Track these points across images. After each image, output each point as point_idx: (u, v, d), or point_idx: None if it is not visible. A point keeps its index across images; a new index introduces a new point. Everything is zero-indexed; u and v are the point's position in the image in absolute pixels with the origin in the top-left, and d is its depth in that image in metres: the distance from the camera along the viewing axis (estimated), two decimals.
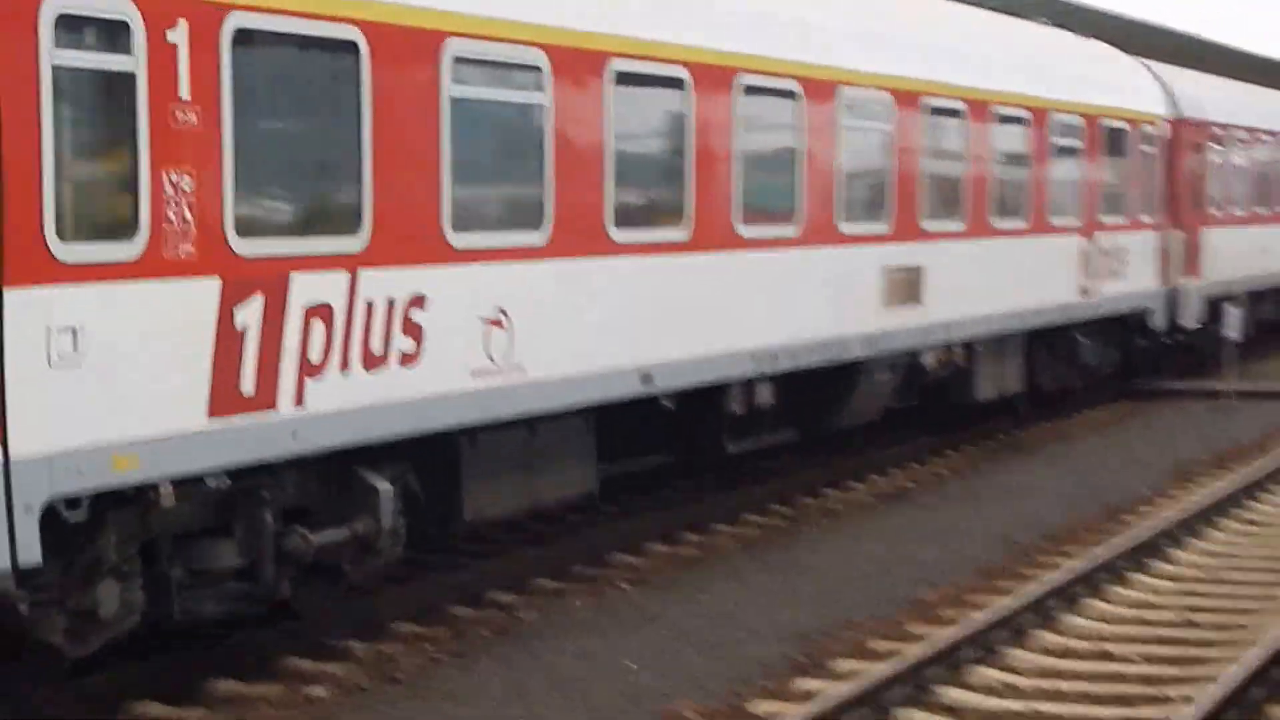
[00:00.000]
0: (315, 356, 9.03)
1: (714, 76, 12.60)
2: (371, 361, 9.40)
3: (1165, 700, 9.15)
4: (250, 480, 8.86)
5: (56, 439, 7.62)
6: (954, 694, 9.21)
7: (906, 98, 15.36)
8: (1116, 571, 12.00)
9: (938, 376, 16.36)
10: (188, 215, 8.33)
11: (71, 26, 7.79)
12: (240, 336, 8.59)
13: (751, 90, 13.01)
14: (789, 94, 13.58)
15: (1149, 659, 10.11)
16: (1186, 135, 22.83)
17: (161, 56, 8.18)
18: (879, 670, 9.10)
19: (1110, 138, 20.11)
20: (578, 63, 11.13)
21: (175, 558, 8.66)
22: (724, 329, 12.70)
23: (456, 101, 10.07)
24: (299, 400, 8.93)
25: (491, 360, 10.29)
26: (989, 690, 9.39)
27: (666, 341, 12.02)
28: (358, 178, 9.40)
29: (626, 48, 11.64)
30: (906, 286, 15.23)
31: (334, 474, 9.48)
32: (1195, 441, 18.84)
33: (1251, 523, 14.39)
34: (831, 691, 8.78)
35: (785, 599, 11.56)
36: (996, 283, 17.05)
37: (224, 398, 8.51)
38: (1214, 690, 8.71)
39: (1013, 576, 12.22)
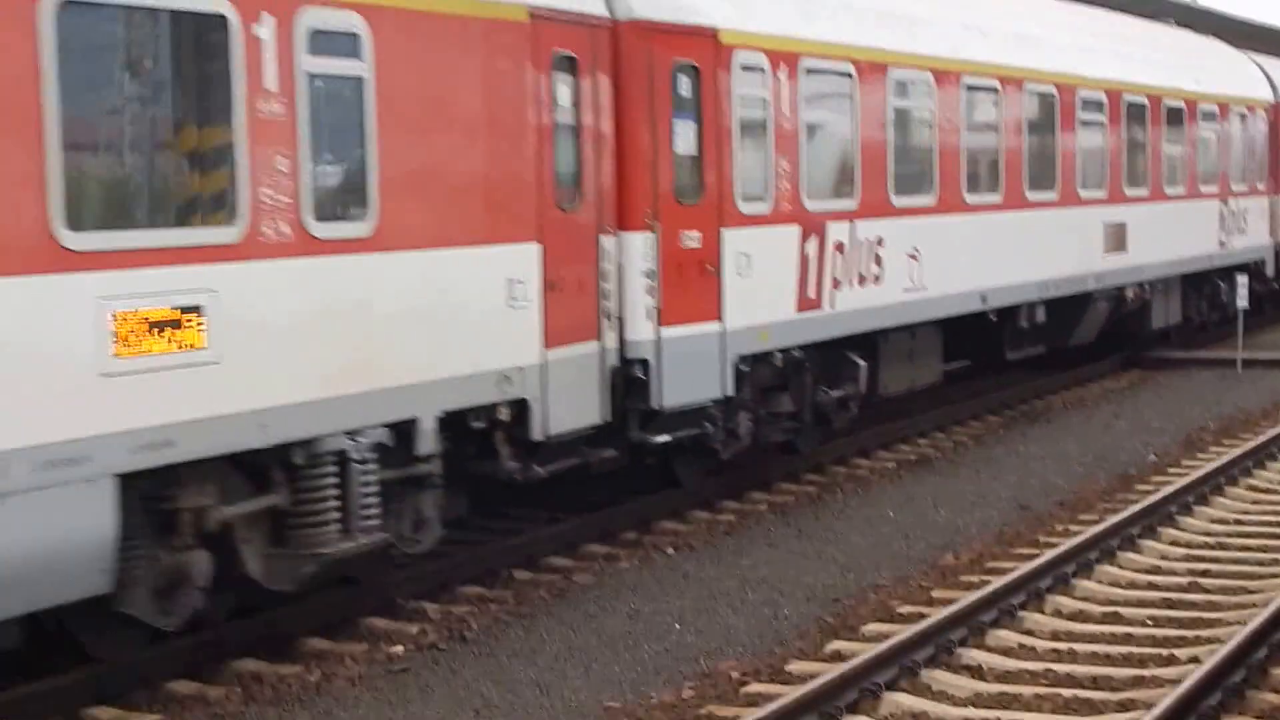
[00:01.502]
0: (838, 275, 14.27)
1: (1013, 84, 17.81)
2: (861, 280, 14.65)
3: (1173, 661, 9.46)
4: (801, 354, 14.01)
5: (740, 320, 12.87)
6: (975, 654, 9.55)
7: (1113, 95, 20.54)
8: (1128, 538, 12.30)
9: (1131, 308, 21.35)
10: (786, 186, 13.55)
11: (745, 68, 12.96)
12: (806, 261, 13.84)
13: (1032, 94, 18.23)
14: (1050, 96, 18.76)
15: (1158, 622, 10.40)
16: None
17: (776, 87, 13.39)
18: (905, 632, 9.41)
19: (1238, 120, 25.23)
20: (947, 79, 16.33)
21: (761, 403, 13.78)
22: (1021, 265, 17.87)
23: (896, 110, 15.29)
24: (831, 304, 14.19)
25: (912, 282, 15.53)
26: (1007, 651, 9.74)
27: (993, 273, 17.20)
28: (854, 162, 14.63)
29: (973, 69, 16.86)
30: (1117, 237, 20.44)
31: (832, 353, 14.61)
32: (1203, 410, 19.04)
33: (1257, 489, 14.55)
34: (861, 653, 9.20)
35: (816, 563, 12.00)
36: (1168, 236, 22.21)
37: (802, 299, 13.78)
38: (1220, 652, 8.86)
39: (1029, 542, 12.60)
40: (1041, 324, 18.77)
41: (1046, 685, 9.05)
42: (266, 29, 8.78)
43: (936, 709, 8.63)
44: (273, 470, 9.05)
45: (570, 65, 11.23)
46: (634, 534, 12.65)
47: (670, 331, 12.05)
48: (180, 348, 8.23)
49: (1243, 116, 25.56)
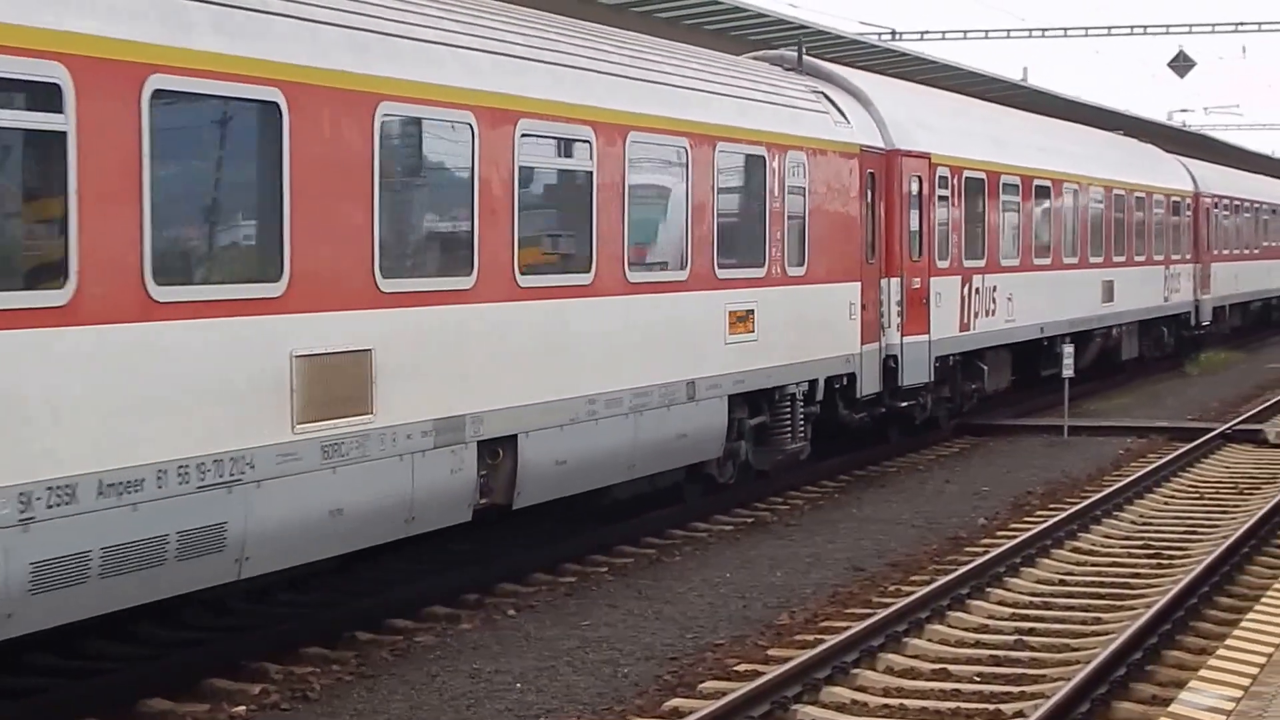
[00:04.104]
0: (976, 309, 22.03)
1: (1056, 183, 25.82)
2: (987, 313, 22.43)
3: (999, 716, 9.68)
4: (958, 358, 21.61)
5: (937, 334, 20.43)
6: (809, 710, 9.76)
7: (1107, 189, 28.71)
8: (957, 598, 12.59)
9: (1112, 344, 29.35)
10: (955, 250, 21.30)
11: (940, 178, 20.76)
12: (964, 299, 21.57)
13: (1064, 189, 26.29)
14: (1076, 189, 26.77)
15: (985, 678, 10.62)
16: (1202, 203, 36.44)
17: (952, 188, 21.16)
18: (741, 689, 9.62)
19: (1172, 206, 33.69)
20: (1027, 181, 24.27)
21: (934, 390, 21.22)
22: (1059, 308, 25.71)
23: (1003, 201, 23.22)
24: (974, 327, 21.93)
25: (1009, 316, 23.34)
26: (840, 707, 9.93)
27: (1046, 313, 25.01)
28: (983, 235, 22.48)
29: (1038, 174, 24.89)
30: (1108, 291, 28.56)
31: (967, 359, 22.21)
32: (1030, 475, 19.74)
33: (1081, 551, 14.99)
34: (697, 709, 9.34)
35: (656, 623, 12.16)
36: (1135, 291, 30.38)
37: (961, 323, 21.50)
38: (1044, 706, 9.17)
39: (863, 602, 12.85)
40: (1060, 351, 26.72)
41: None
42: (776, 162, 16.42)
43: None
44: (762, 402, 16.50)
45: (871, 178, 18.95)
46: (476, 595, 12.90)
47: (907, 339, 19.71)
48: (746, 331, 15.74)
49: (1176, 204, 34.04)
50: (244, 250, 10.09)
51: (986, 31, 39.57)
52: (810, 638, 11.62)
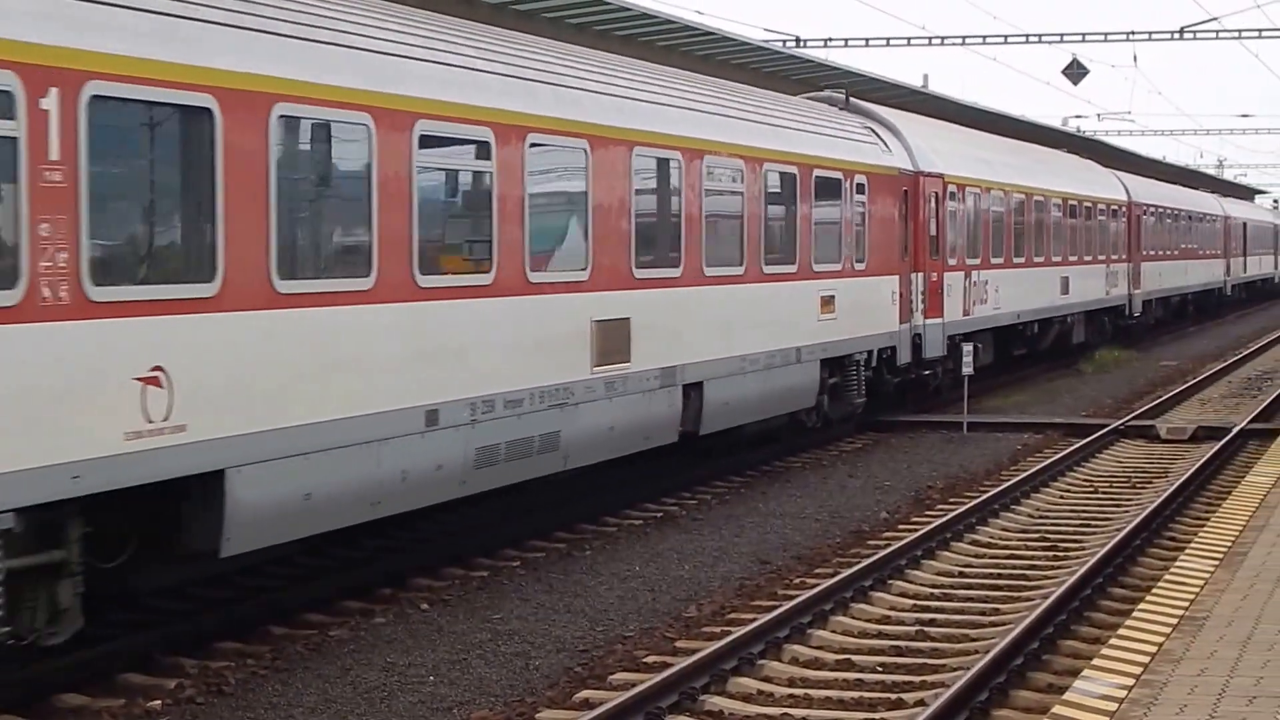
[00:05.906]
0: (974, 298, 27.08)
1: (1025, 193, 31.08)
2: (981, 301, 27.50)
3: (901, 704, 10.00)
4: (960, 338, 26.45)
5: (948, 317, 25.58)
6: (717, 700, 10.05)
7: (1065, 199, 33.92)
8: (860, 590, 12.83)
9: (1066, 329, 34.50)
10: (959, 251, 26.32)
11: (951, 194, 25.84)
12: (965, 290, 26.60)
13: (1032, 199, 31.48)
14: (1043, 200, 31.99)
15: (888, 668, 10.91)
16: (1134, 211, 41.78)
17: (960, 200, 26.31)
18: (650, 681, 9.88)
19: (1111, 212, 38.99)
20: (1008, 192, 29.44)
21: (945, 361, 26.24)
22: (1031, 298, 30.83)
23: (993, 210, 28.38)
24: (971, 313, 26.98)
25: (997, 304, 28.37)
26: (747, 698, 10.21)
27: (1022, 302, 30.13)
28: (979, 238, 27.56)
29: (1015, 189, 30.09)
30: (1065, 285, 33.75)
31: (967, 338, 26.88)
32: (931, 470, 20.16)
33: (980, 544, 15.27)
34: (607, 701, 9.61)
35: (566, 616, 12.35)
36: (1083, 286, 35.53)
37: (964, 309, 26.56)
38: (945, 695, 9.50)
39: (769, 595, 13.07)
40: (1033, 335, 32.02)
41: None
42: (848, 183, 21.38)
43: None
44: (837, 366, 21.31)
45: (905, 193, 23.96)
46: (389, 590, 13.13)
47: (928, 321, 24.75)
48: (829, 311, 20.61)
49: (1114, 211, 39.38)
50: (569, 248, 14.84)
51: (888, 39, 40.63)
52: (717, 629, 11.98)
